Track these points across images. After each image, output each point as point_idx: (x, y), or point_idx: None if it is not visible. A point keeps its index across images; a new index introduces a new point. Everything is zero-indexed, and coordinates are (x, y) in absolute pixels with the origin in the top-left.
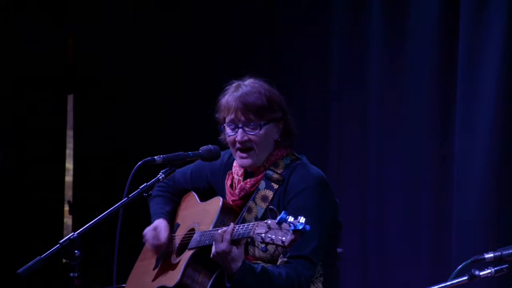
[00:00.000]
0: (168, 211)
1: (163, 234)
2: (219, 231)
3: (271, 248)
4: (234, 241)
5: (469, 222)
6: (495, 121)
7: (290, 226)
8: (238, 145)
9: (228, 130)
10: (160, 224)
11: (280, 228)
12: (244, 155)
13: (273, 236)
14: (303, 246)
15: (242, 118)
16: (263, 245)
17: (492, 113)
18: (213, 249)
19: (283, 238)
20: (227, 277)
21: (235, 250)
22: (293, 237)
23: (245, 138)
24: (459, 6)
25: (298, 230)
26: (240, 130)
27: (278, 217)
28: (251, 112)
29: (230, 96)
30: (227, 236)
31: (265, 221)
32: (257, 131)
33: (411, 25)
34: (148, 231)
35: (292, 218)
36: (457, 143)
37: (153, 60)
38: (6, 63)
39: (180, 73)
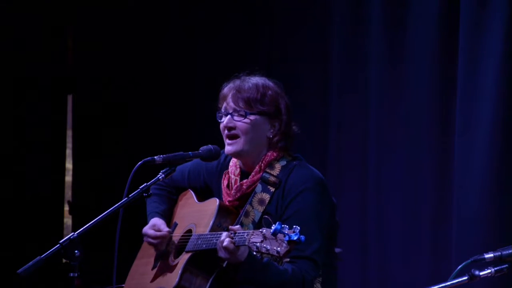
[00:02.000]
0: (163, 209)
1: (163, 227)
2: (218, 241)
3: (266, 257)
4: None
5: (469, 222)
6: (495, 121)
7: (285, 236)
8: (226, 131)
9: (220, 117)
10: (157, 221)
11: (275, 239)
12: (230, 141)
13: (268, 246)
14: (305, 247)
15: (232, 105)
16: (258, 254)
17: (492, 113)
18: (219, 254)
19: (278, 249)
20: (234, 269)
21: (239, 251)
22: (288, 248)
23: (231, 124)
24: (459, 6)
25: (293, 241)
26: (228, 116)
27: (273, 228)
28: (241, 100)
29: (228, 85)
30: (225, 245)
31: (260, 230)
32: (243, 118)
33: (411, 26)
34: (147, 229)
35: (287, 229)
36: (457, 143)
37: (153, 60)
38: (6, 63)
39: (180, 73)
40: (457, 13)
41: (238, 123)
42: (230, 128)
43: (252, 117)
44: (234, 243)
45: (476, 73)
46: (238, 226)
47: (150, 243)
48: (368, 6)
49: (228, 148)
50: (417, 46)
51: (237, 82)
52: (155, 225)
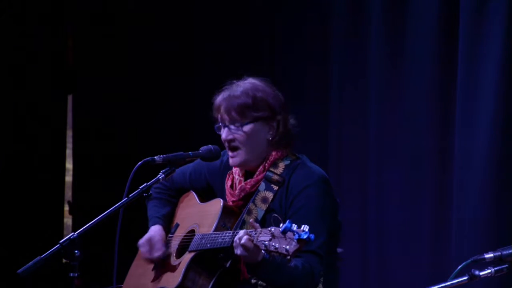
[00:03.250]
0: (164, 214)
1: (158, 246)
2: (236, 238)
3: (274, 255)
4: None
5: (469, 222)
6: (495, 121)
7: (294, 235)
8: (226, 144)
9: (219, 130)
10: (155, 235)
11: (284, 237)
12: (232, 154)
13: (277, 245)
14: (311, 242)
15: (226, 117)
16: (266, 254)
17: (492, 112)
18: (236, 252)
19: (287, 247)
20: (249, 269)
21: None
22: (297, 246)
23: (230, 137)
24: (459, 6)
25: (303, 239)
26: (225, 129)
27: (283, 226)
28: (233, 110)
29: (220, 96)
30: (246, 243)
31: (269, 228)
32: (240, 129)
33: (411, 25)
34: (143, 243)
35: (296, 227)
36: (456, 143)
37: (153, 60)
38: (6, 63)
39: (180, 73)
40: (457, 13)
41: (236, 135)
42: (229, 141)
43: (248, 126)
44: (252, 241)
45: (476, 73)
46: (257, 224)
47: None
48: (368, 6)
49: (231, 161)
50: (417, 46)
51: (227, 92)
52: (151, 240)
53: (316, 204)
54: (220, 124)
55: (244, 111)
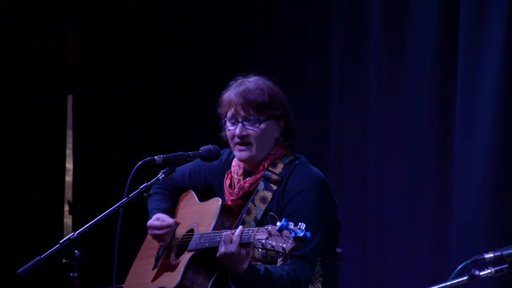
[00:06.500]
0: (165, 207)
1: (168, 218)
2: (229, 232)
3: (271, 253)
4: (243, 244)
5: (469, 222)
6: (495, 121)
7: (291, 233)
8: (237, 139)
9: (228, 125)
10: (160, 215)
11: (281, 235)
12: (242, 147)
13: (274, 243)
14: (302, 246)
15: (242, 113)
16: (263, 251)
17: (492, 113)
18: (222, 250)
19: (284, 245)
20: (231, 279)
21: (243, 252)
22: (294, 244)
23: (244, 132)
24: (459, 8)
25: (299, 237)
26: (239, 125)
27: (279, 225)
28: (251, 107)
29: (233, 91)
30: (237, 239)
31: (266, 227)
32: (256, 126)
33: (411, 26)
34: (152, 221)
35: (292, 225)
36: (457, 143)
37: (153, 60)
38: (6, 63)
39: (180, 73)
40: (457, 13)
41: (250, 131)
42: (243, 137)
43: (264, 124)
44: (231, 239)
45: (476, 73)
46: (240, 226)
47: (155, 235)
48: (368, 6)
49: (240, 154)
50: (417, 46)
51: (241, 87)
52: (159, 218)
53: (309, 208)
54: (231, 119)
55: (261, 108)
